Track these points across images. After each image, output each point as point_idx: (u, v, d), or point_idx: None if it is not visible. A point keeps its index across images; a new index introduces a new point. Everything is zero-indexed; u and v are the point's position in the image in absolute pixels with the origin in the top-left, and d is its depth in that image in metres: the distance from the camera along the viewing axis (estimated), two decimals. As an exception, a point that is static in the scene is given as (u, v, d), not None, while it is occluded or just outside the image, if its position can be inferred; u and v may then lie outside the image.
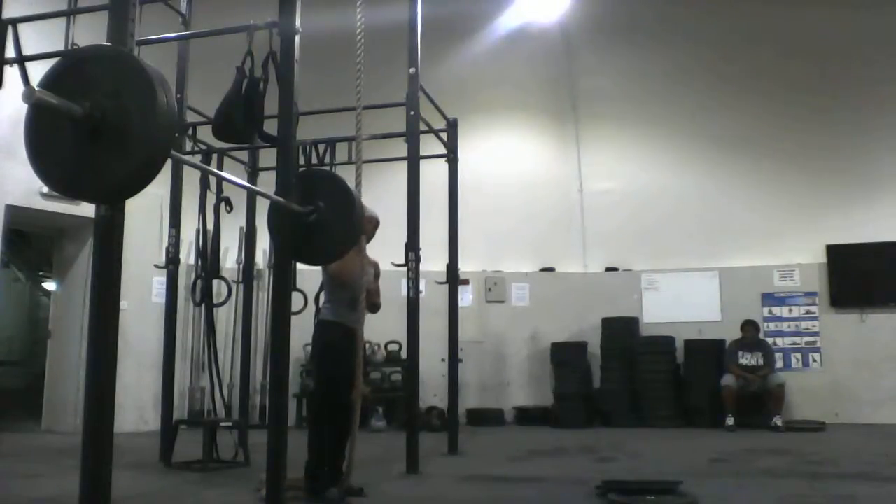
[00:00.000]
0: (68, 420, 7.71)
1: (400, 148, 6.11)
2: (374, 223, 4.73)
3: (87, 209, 6.19)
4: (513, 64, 10.06)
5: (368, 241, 4.66)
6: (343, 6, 5.34)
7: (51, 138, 2.39)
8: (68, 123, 2.33)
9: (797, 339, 9.31)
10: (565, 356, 9.45)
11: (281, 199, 3.69)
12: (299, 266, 4.73)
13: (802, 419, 8.61)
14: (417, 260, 5.83)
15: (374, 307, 4.77)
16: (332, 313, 4.59)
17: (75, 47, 4.59)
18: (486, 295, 9.96)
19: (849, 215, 9.26)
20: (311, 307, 5.27)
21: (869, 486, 4.86)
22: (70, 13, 4.90)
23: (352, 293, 4.47)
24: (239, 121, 3.88)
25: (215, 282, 5.98)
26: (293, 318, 3.96)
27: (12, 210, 7.24)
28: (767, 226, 9.61)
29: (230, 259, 8.49)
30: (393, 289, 5.69)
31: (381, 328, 7.67)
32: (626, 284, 9.96)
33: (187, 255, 7.17)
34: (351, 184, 4.17)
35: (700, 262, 9.69)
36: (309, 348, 6.67)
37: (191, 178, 6.06)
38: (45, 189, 5.90)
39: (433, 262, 6.79)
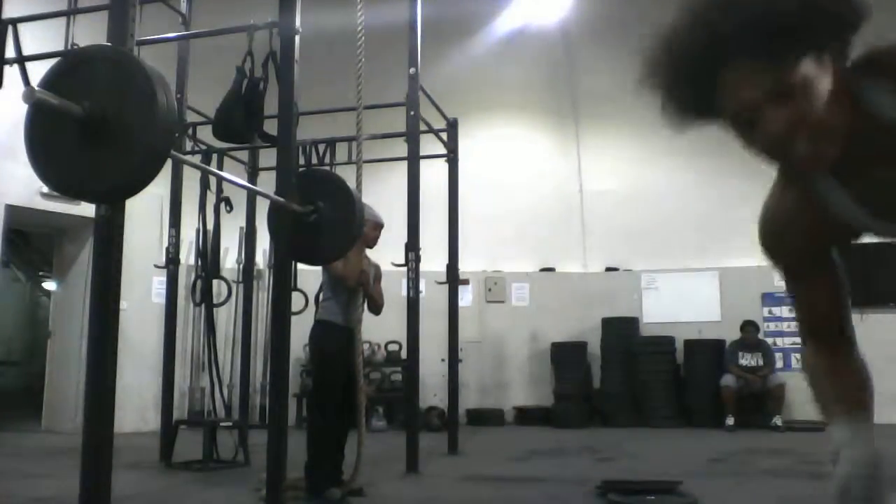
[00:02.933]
0: (68, 420, 7.71)
1: (400, 148, 6.11)
2: (379, 228, 4.72)
3: (87, 209, 6.20)
4: (513, 64, 10.06)
5: (373, 245, 4.66)
6: (343, 6, 5.34)
7: (51, 138, 2.39)
8: (68, 123, 2.33)
9: (797, 339, 9.24)
10: (565, 356, 9.45)
11: (281, 199, 3.69)
12: (299, 266, 4.73)
13: (802, 419, 8.59)
14: (417, 260, 5.83)
15: (377, 309, 4.78)
16: (330, 313, 4.57)
17: (75, 47, 4.60)
18: (486, 295, 9.96)
19: (849, 215, 9.25)
20: (311, 307, 5.26)
21: (869, 486, 4.86)
22: (70, 13, 4.90)
23: (352, 292, 4.48)
24: (239, 121, 3.89)
25: (215, 282, 5.97)
26: (293, 318, 3.97)
27: (12, 210, 7.24)
28: (767, 226, 9.60)
29: (230, 259, 8.49)
30: (393, 289, 5.68)
31: (381, 328, 7.65)
32: (626, 284, 9.95)
33: (187, 255, 7.17)
34: (351, 184, 4.17)
35: (700, 262, 9.68)
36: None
37: (191, 178, 6.06)
38: (45, 189, 5.89)
39: (433, 262, 6.79)
